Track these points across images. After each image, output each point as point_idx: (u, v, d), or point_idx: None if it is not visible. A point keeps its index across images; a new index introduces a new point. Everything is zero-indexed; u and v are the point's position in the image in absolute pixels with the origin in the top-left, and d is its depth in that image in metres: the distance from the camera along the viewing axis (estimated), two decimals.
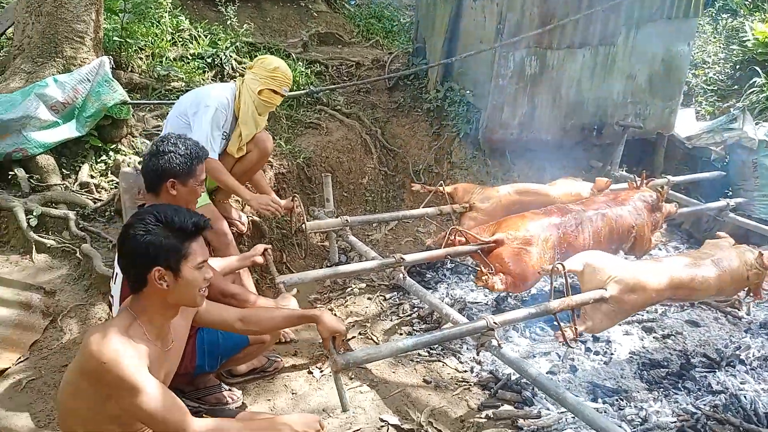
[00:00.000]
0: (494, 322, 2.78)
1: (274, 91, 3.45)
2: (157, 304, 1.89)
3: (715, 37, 7.85)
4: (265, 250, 3.04)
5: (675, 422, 2.90)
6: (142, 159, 2.63)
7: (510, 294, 4.02)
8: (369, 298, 4.05)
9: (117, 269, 2.45)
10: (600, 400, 3.07)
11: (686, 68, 5.98)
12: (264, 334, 2.66)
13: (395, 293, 4.08)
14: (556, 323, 2.96)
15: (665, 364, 3.39)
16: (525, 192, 4.09)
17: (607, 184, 4.08)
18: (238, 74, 5.23)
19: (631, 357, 3.46)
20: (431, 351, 3.46)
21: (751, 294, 3.49)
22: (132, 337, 1.80)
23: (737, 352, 3.48)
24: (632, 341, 3.61)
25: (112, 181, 3.99)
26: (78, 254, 3.45)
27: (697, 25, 6.55)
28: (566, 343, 2.84)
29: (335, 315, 3.84)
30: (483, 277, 3.34)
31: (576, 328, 2.81)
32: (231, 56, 5.35)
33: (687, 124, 6.09)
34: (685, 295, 3.12)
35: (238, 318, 2.34)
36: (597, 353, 3.48)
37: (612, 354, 3.47)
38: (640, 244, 3.77)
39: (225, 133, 3.45)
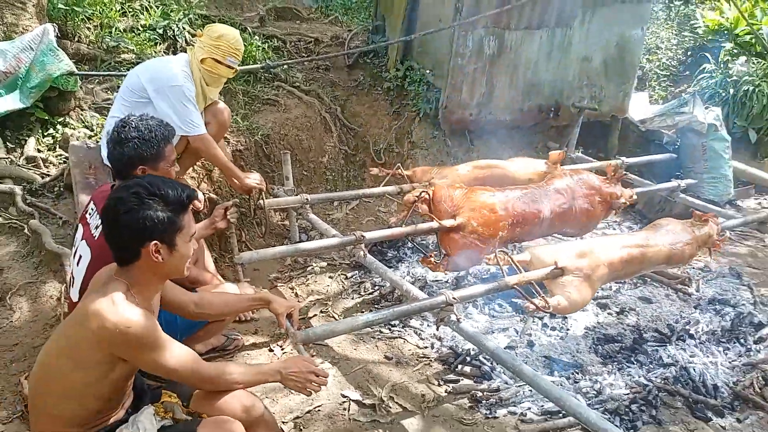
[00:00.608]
0: (453, 298, 2.80)
1: (218, 61, 3.31)
2: (148, 276, 1.87)
3: (668, 24, 8.05)
4: (226, 209, 2.92)
5: (628, 394, 3.00)
6: (101, 142, 2.50)
7: (470, 272, 4.06)
8: (330, 277, 4.02)
9: (81, 252, 2.35)
10: (556, 373, 3.15)
11: (640, 52, 6.10)
12: (217, 319, 2.60)
13: (357, 272, 4.07)
14: (518, 298, 3.00)
15: (619, 338, 3.49)
16: (484, 167, 4.11)
17: (560, 156, 4.15)
18: (191, 46, 5.05)
19: (586, 332, 3.55)
20: (392, 328, 3.47)
21: (712, 250, 3.62)
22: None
23: (687, 327, 3.61)
24: (587, 317, 3.70)
25: (61, 155, 3.82)
26: (26, 230, 3.29)
27: (651, 11, 6.69)
28: (537, 311, 2.87)
29: (296, 294, 3.80)
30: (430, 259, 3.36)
31: (544, 297, 2.85)
32: (184, 28, 5.17)
33: (641, 107, 6.25)
34: (638, 260, 3.21)
35: (192, 301, 2.30)
36: (554, 329, 3.55)
37: (568, 329, 3.56)
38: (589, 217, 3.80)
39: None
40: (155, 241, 1.80)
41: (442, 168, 4.15)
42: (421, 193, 3.45)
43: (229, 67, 3.37)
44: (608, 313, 3.79)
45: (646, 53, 7.31)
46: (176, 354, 1.86)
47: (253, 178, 3.55)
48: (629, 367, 3.24)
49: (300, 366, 2.07)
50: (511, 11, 5.08)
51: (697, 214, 3.73)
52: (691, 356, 3.35)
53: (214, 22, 5.53)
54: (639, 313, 3.80)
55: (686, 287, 4.09)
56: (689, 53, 7.50)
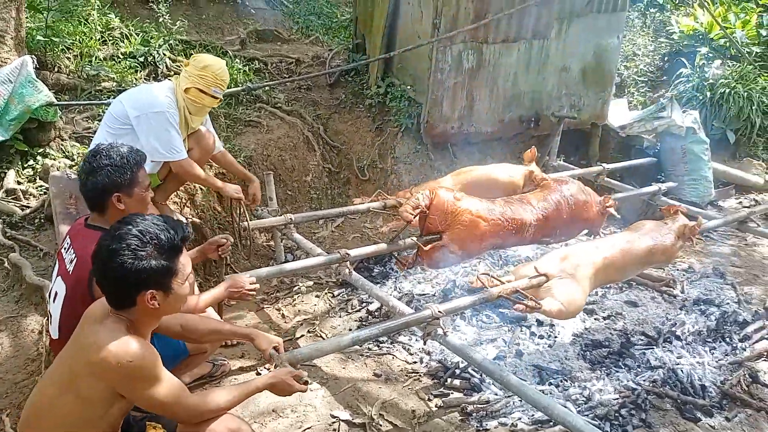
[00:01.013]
0: (439, 311, 2.81)
1: (203, 91, 3.34)
2: (145, 318, 1.87)
3: (644, 31, 8.18)
4: (219, 246, 2.87)
5: (617, 399, 3.01)
6: (78, 175, 2.49)
7: (457, 285, 4.07)
8: (317, 296, 4.01)
9: (56, 288, 2.33)
10: (546, 382, 3.15)
11: (617, 60, 6.20)
12: (200, 343, 2.58)
13: (343, 290, 4.06)
14: (506, 308, 3.01)
15: (606, 343, 3.50)
16: (467, 172, 4.14)
17: (532, 153, 4.25)
18: (173, 73, 5.08)
19: (574, 339, 3.56)
20: (380, 344, 3.46)
21: (691, 237, 3.64)
22: None
23: (673, 329, 3.63)
24: (575, 324, 3.71)
25: (41, 186, 3.81)
26: (6, 264, 3.26)
27: (626, 19, 6.80)
28: (528, 311, 2.88)
29: (283, 315, 3.79)
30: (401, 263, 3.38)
31: (533, 298, 2.86)
32: (165, 54, 5.20)
33: (620, 113, 6.33)
34: (621, 258, 3.24)
35: (179, 323, 2.28)
36: (541, 337, 3.56)
37: (556, 337, 3.57)
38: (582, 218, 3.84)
39: None
40: (151, 290, 1.79)
41: (424, 184, 4.16)
42: (419, 204, 3.37)
43: (213, 97, 3.40)
44: (595, 319, 3.81)
45: (623, 60, 7.42)
46: (171, 387, 1.84)
47: (232, 188, 3.61)
48: (617, 371, 3.25)
49: (283, 372, 2.15)
50: (488, 25, 5.15)
51: (665, 210, 3.78)
52: (678, 358, 3.37)
53: (195, 47, 5.58)
54: (626, 317, 3.82)
55: (671, 289, 4.12)
56: (666, 58, 7.61)
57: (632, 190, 5.01)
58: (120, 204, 2.38)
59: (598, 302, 3.99)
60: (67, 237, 2.43)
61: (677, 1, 8.72)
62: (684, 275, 4.41)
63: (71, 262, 2.31)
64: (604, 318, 3.81)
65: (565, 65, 5.73)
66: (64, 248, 2.39)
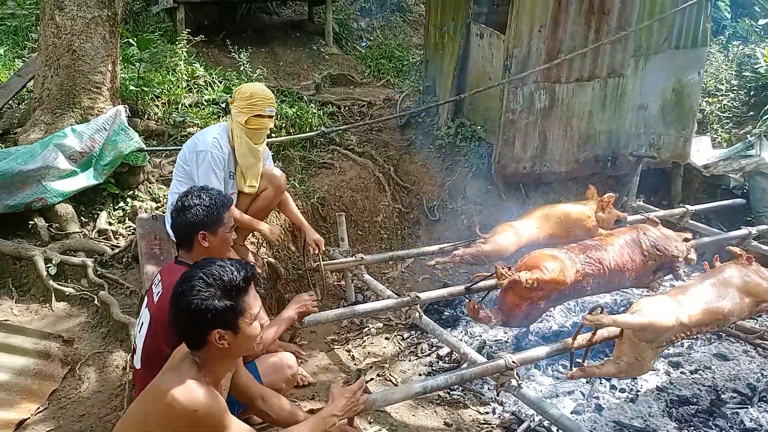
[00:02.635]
0: (513, 361, 2.72)
1: (260, 115, 3.43)
2: (218, 358, 1.92)
3: (726, 65, 7.83)
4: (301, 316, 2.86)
5: None
6: (171, 214, 2.68)
7: (531, 331, 3.94)
8: (387, 338, 4.00)
9: (143, 319, 2.46)
10: None
11: (698, 96, 5.95)
12: (277, 424, 2.54)
13: (413, 332, 4.03)
14: (575, 359, 2.89)
15: (694, 400, 3.28)
16: (543, 216, 4.08)
17: (592, 191, 4.22)
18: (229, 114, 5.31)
19: (658, 394, 3.35)
20: (451, 392, 3.38)
21: None
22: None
23: None
24: (658, 377, 3.50)
25: (130, 227, 4.04)
26: (96, 302, 3.46)
27: (708, 53, 6.55)
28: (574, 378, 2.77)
29: (353, 357, 3.79)
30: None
31: (584, 364, 2.73)
32: None
33: (703, 152, 6.04)
34: (706, 318, 3.00)
35: (260, 395, 2.32)
36: (622, 390, 3.37)
37: (638, 391, 3.37)
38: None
39: (231, 173, 3.47)
40: (218, 330, 1.84)
41: (500, 227, 4.06)
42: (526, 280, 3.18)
43: (270, 117, 3.51)
44: (681, 372, 3.57)
45: (705, 96, 7.11)
46: None
47: (272, 231, 3.70)
48: None
49: (345, 398, 2.19)
50: (561, 65, 5.10)
51: (737, 253, 3.38)
52: None
53: (274, 93, 5.80)
54: (715, 372, 3.56)
55: (766, 342, 3.81)
56: (752, 93, 7.22)
57: (719, 234, 4.72)
58: (205, 242, 2.52)
59: (684, 354, 3.75)
60: (158, 273, 2.59)
61: (762, 33, 8.32)
62: None
63: (158, 294, 2.46)
64: (691, 372, 3.57)
65: (643, 103, 5.56)
66: (155, 283, 2.55)
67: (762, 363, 3.67)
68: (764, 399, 3.26)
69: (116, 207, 4.17)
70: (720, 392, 3.34)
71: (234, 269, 1.90)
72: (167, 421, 1.79)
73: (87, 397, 2.97)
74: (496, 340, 3.90)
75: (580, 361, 2.88)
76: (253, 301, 1.94)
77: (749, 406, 3.20)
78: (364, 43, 8.13)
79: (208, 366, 1.89)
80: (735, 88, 7.37)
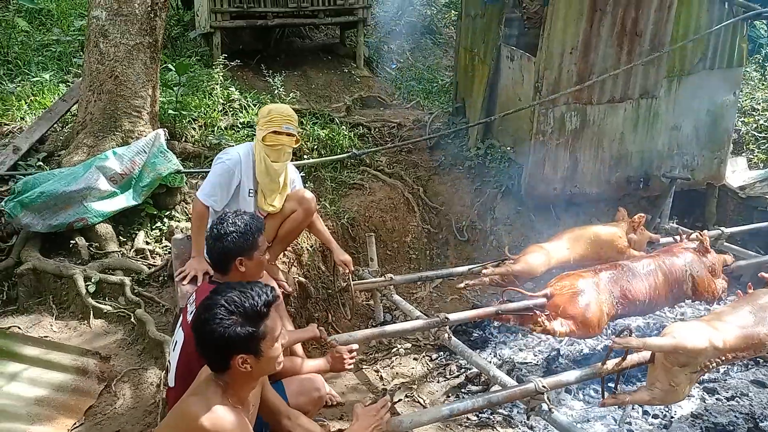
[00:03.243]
0: (543, 386, 2.71)
1: (277, 132, 3.42)
2: (242, 380, 1.97)
3: (763, 84, 7.70)
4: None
5: None
6: (206, 240, 2.76)
7: (561, 354, 3.90)
8: (415, 359, 4.00)
9: (177, 338, 2.52)
10: None
11: (733, 117, 5.87)
12: None
13: (441, 353, 4.03)
14: (607, 384, 2.85)
15: (731, 428, 3.20)
16: (573, 237, 4.07)
17: (622, 213, 4.23)
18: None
19: (693, 421, 3.28)
20: (480, 415, 3.37)
21: None
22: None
23: None
24: (693, 403, 3.43)
25: (166, 246, 4.15)
26: (132, 319, 3.56)
27: (744, 73, 6.45)
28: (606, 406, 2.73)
29: (381, 377, 3.81)
30: (540, 320, 3.26)
31: (615, 392, 2.69)
32: None
33: (739, 173, 5.93)
34: (741, 344, 2.93)
35: (286, 414, 2.35)
36: (656, 416, 3.31)
37: (672, 417, 3.30)
38: (703, 289, 3.62)
39: (250, 191, 3.52)
40: (241, 355, 1.90)
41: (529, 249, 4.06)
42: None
43: (288, 135, 3.46)
44: (717, 399, 3.49)
45: (741, 116, 6.99)
46: None
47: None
48: None
49: (369, 416, 2.21)
50: (592, 86, 5.10)
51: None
52: None
53: (305, 115, 5.93)
54: (752, 399, 3.47)
55: None
56: None
57: (756, 257, 4.61)
58: (242, 267, 2.59)
59: (719, 380, 3.66)
60: (193, 293, 2.65)
61: None
62: None
63: (191, 313, 2.51)
64: (727, 399, 3.49)
65: (676, 124, 5.51)
66: (189, 303, 2.61)
67: None
68: None
69: (153, 227, 4.29)
70: (758, 420, 3.25)
71: (255, 294, 1.95)
72: None
73: (122, 414, 3.05)
74: (525, 363, 3.87)
75: (612, 385, 2.84)
76: (274, 324, 1.97)
77: None
78: (394, 65, 8.23)
79: (232, 389, 1.95)
80: None
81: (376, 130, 6.24)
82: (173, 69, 5.33)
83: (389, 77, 7.80)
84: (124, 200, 4.09)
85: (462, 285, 3.95)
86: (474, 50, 6.05)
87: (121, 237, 4.13)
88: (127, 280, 3.76)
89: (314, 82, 7.11)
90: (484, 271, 3.91)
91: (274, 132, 3.44)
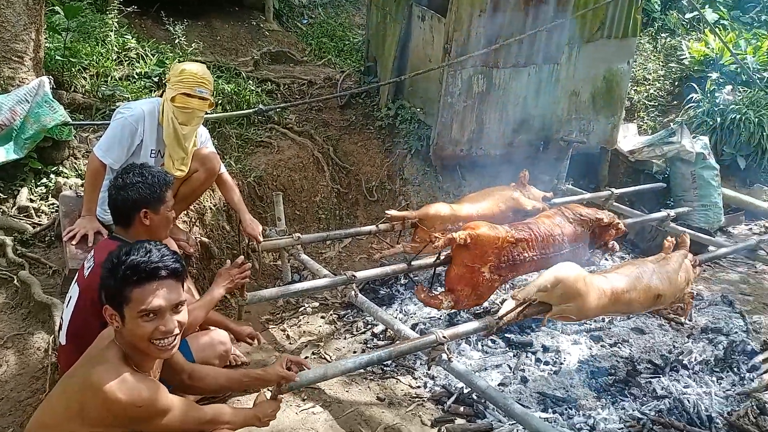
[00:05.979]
0: (443, 336, 2.81)
1: (188, 95, 3.23)
2: (126, 342, 1.90)
3: (654, 56, 8.20)
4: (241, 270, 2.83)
5: (622, 428, 2.98)
6: (108, 190, 2.57)
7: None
8: (322, 317, 4.02)
9: (71, 293, 2.45)
10: (550, 409, 3.12)
11: (627, 85, 6.21)
12: (206, 394, 2.60)
13: (349, 311, 4.07)
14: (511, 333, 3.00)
15: (612, 371, 3.47)
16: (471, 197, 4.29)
17: (525, 174, 4.49)
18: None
19: (579, 366, 3.53)
20: (384, 368, 3.45)
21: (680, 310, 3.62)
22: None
23: (680, 357, 3.59)
24: (581, 350, 3.68)
25: (53, 204, 3.87)
26: (15, 281, 3.31)
27: (637, 44, 6.83)
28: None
29: (288, 336, 3.80)
30: (424, 292, 3.36)
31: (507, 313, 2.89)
32: None
33: (630, 138, 6.33)
34: (623, 307, 3.20)
35: (187, 372, 2.30)
36: (547, 363, 3.54)
37: (561, 364, 3.54)
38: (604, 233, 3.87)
39: (152, 151, 3.32)
40: (106, 306, 1.88)
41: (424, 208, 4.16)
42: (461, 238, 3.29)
43: (201, 98, 3.27)
44: (602, 346, 3.77)
45: (633, 85, 7.43)
46: (179, 410, 1.94)
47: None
48: (623, 400, 3.22)
49: (272, 410, 2.28)
50: (499, 50, 5.20)
51: (666, 249, 3.63)
52: (685, 387, 3.33)
53: (209, 68, 5.64)
54: (632, 345, 3.79)
55: (679, 317, 4.07)
56: (676, 84, 7.62)
57: (641, 216, 4.99)
58: (146, 220, 2.51)
59: (604, 329, 3.96)
60: (92, 251, 2.56)
61: (688, 27, 8.74)
62: (692, 302, 4.36)
63: (89, 269, 2.44)
64: (611, 345, 3.78)
65: (575, 90, 5.76)
66: (87, 259, 2.51)
67: (674, 336, 3.92)
68: (675, 369, 3.49)
69: (38, 183, 3.97)
70: (636, 363, 3.55)
71: (137, 258, 1.87)
72: (112, 419, 1.80)
73: (6, 381, 2.84)
74: (430, 317, 3.99)
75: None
76: (144, 298, 1.86)
77: (661, 376, 3.42)
78: (306, 21, 8.00)
79: (127, 349, 1.89)
80: (661, 78, 7.75)
81: (286, 86, 6.08)
82: (61, 12, 4.88)
83: (300, 33, 7.58)
84: (4, 153, 3.75)
85: (377, 256, 3.99)
86: (386, 8, 5.98)
87: (0, 194, 3.79)
88: (8, 240, 3.47)
89: (219, 33, 6.78)
90: (387, 212, 4.08)
91: (185, 94, 3.23)
